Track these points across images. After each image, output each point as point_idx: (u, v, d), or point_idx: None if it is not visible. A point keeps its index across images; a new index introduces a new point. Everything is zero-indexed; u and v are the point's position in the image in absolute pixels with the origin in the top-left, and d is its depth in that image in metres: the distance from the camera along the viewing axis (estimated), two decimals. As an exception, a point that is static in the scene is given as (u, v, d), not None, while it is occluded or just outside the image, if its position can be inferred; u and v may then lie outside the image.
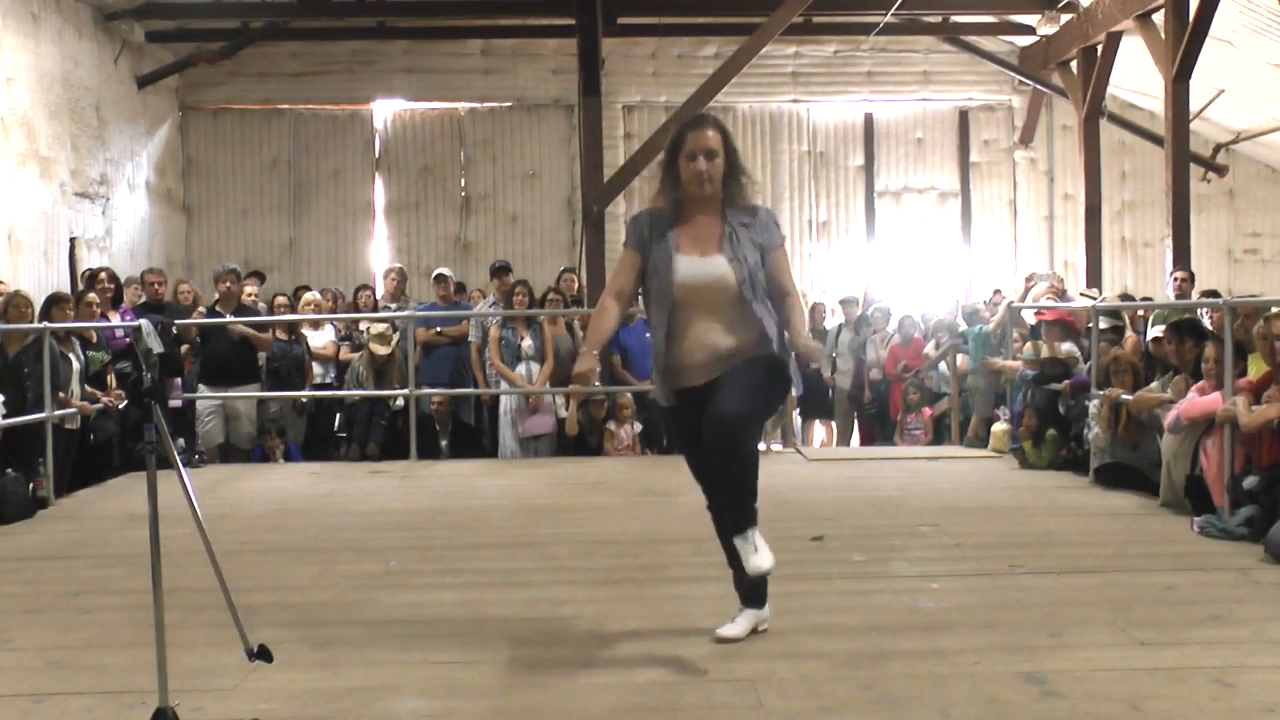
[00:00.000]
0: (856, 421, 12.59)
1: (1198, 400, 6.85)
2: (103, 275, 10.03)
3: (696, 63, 15.30)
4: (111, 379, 9.17)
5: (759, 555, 4.14)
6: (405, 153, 15.70)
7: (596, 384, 3.48)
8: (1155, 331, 8.65)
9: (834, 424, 12.83)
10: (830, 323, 13.04)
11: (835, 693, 3.84)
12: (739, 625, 4.42)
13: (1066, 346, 9.42)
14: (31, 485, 7.82)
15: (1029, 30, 14.49)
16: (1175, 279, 10.81)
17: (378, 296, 11.98)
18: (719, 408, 4.09)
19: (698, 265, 4.23)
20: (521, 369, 10.30)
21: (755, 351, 4.24)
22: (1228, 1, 10.90)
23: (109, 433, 9.14)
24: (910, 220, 15.85)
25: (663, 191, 4.33)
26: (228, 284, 10.32)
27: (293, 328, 10.80)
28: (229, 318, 10.24)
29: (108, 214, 13.12)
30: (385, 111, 15.68)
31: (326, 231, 15.66)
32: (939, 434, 11.41)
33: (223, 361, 10.18)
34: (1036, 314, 10.47)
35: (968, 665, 4.12)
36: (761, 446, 10.22)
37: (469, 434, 10.62)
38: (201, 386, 10.20)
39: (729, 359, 4.24)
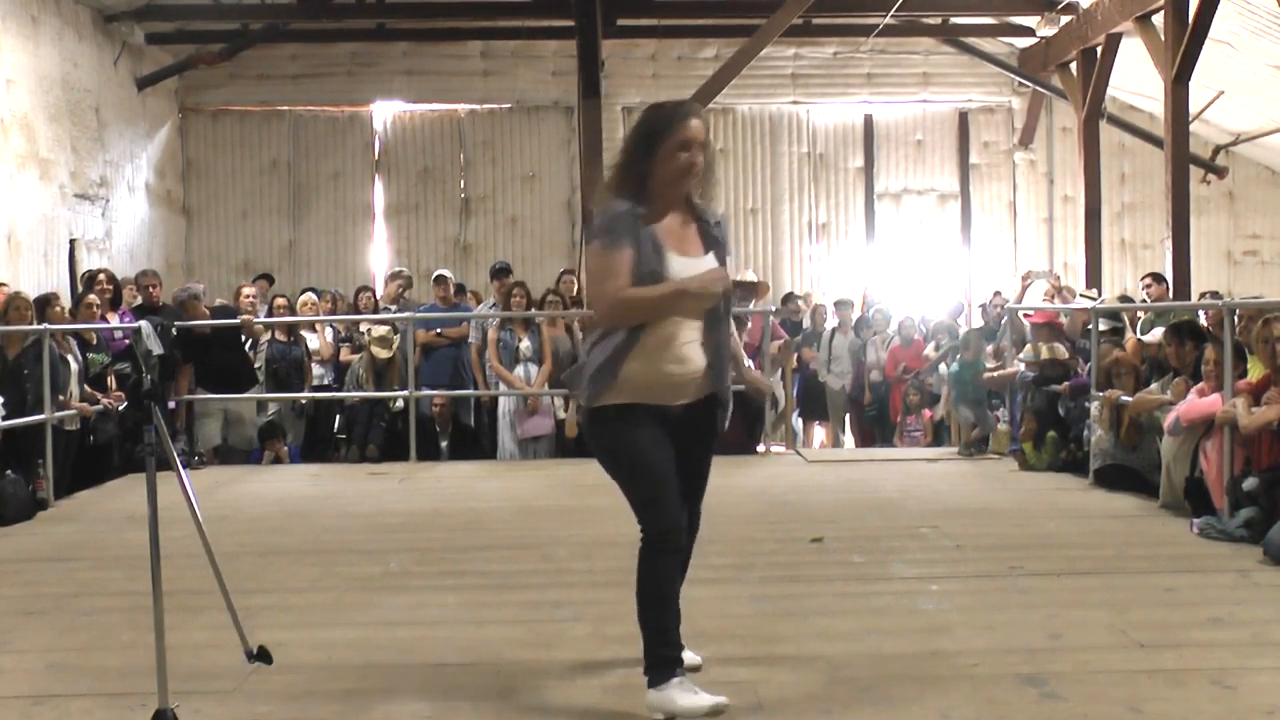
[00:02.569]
0: (855, 423, 12.59)
1: (1197, 402, 6.85)
2: (102, 277, 10.02)
3: (696, 64, 15.31)
4: (111, 380, 9.17)
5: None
6: (405, 155, 15.70)
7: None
8: (1146, 337, 8.65)
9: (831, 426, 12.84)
10: (829, 324, 13.03)
11: (835, 695, 3.84)
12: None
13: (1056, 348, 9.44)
14: (31, 487, 7.82)
15: (1028, 32, 14.50)
16: (1143, 284, 10.93)
17: (378, 297, 11.98)
18: (694, 516, 3.93)
19: (689, 266, 3.71)
20: (520, 371, 10.30)
21: (724, 384, 3.85)
22: (1227, 3, 10.90)
23: (109, 434, 9.14)
24: (910, 222, 15.84)
25: (628, 183, 3.72)
26: (192, 310, 10.25)
27: (292, 329, 10.80)
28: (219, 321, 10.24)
29: (107, 216, 13.12)
30: (385, 113, 15.68)
31: (326, 233, 15.66)
32: (939, 435, 11.41)
33: (220, 370, 10.14)
34: (1024, 316, 10.50)
35: (967, 667, 4.12)
36: (761, 448, 10.37)
37: (468, 435, 10.62)
38: (199, 391, 10.18)
39: (704, 384, 3.79)
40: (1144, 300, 10.79)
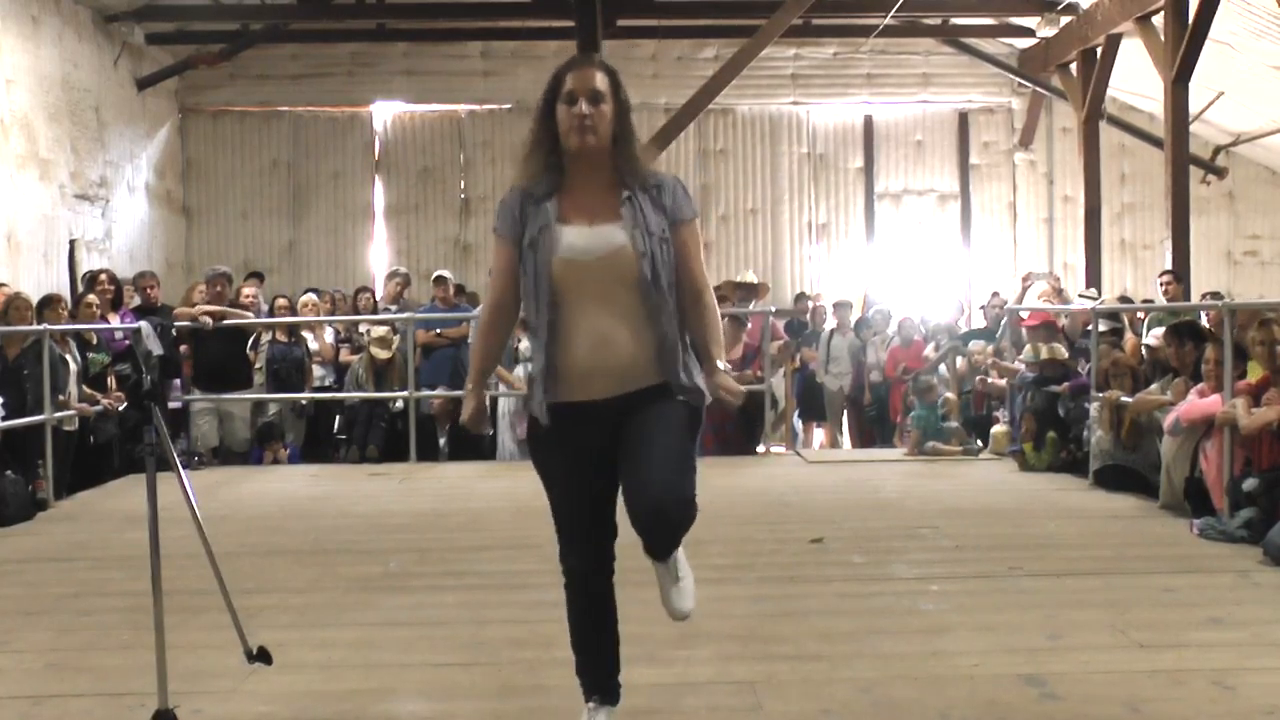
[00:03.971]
0: (854, 424, 12.58)
1: (1197, 403, 6.85)
2: (102, 277, 10.00)
3: (696, 65, 15.30)
4: (111, 381, 9.16)
5: (681, 588, 3.40)
6: (405, 155, 15.70)
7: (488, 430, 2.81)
8: (1151, 339, 8.64)
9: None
10: (829, 324, 13.02)
11: (835, 695, 3.84)
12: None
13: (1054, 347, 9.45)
14: (31, 487, 7.82)
15: (1028, 32, 14.50)
16: (1161, 281, 10.86)
17: (378, 298, 11.97)
18: (654, 492, 3.19)
19: (588, 236, 3.24)
20: (519, 371, 10.30)
21: (668, 376, 3.28)
22: (1227, 4, 10.90)
23: (108, 435, 9.14)
24: (910, 222, 15.85)
25: (535, 153, 3.33)
26: (219, 287, 10.29)
27: (293, 329, 10.80)
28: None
29: (107, 216, 13.12)
30: (385, 113, 15.69)
31: (326, 234, 15.67)
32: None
33: (215, 366, 10.14)
34: (1017, 318, 10.51)
35: (967, 668, 4.12)
36: (761, 449, 10.35)
37: (468, 436, 10.61)
38: (195, 390, 10.18)
39: (633, 374, 3.28)
40: (1153, 300, 10.76)
